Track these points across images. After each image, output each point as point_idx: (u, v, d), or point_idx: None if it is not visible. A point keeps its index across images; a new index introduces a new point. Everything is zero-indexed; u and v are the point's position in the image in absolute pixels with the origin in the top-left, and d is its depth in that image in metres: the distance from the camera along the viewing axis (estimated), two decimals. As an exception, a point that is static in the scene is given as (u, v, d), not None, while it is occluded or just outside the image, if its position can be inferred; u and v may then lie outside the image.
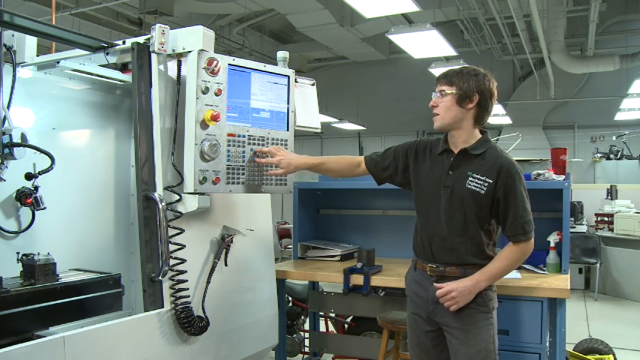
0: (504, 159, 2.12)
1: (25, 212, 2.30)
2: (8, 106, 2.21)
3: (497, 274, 2.13)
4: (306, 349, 3.92)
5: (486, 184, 2.09)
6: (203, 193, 2.17)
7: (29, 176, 2.27)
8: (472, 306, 2.11)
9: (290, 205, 3.94)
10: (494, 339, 2.14)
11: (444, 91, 2.13)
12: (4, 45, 2.25)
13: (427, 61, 8.19)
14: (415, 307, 2.27)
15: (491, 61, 10.91)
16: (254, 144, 2.30)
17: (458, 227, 2.13)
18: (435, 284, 2.15)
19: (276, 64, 2.62)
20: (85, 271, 2.38)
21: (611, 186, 8.31)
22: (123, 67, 2.43)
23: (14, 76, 2.27)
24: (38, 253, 2.14)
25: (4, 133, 2.15)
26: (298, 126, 2.74)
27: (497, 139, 2.26)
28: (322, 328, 4.09)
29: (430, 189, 2.20)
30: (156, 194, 2.09)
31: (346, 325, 3.90)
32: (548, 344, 2.79)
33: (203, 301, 2.28)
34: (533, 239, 2.14)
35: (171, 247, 2.11)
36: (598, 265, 6.90)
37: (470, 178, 2.11)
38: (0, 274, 2.01)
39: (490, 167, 2.10)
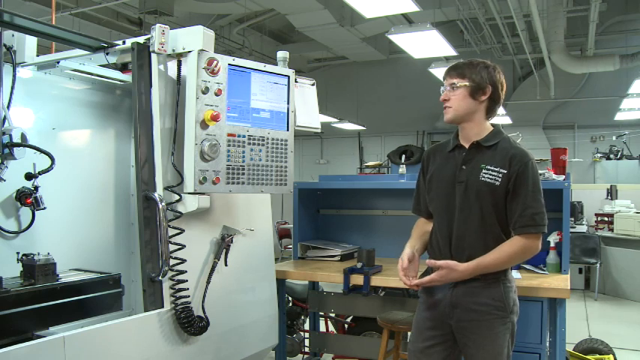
0: (517, 149, 2.07)
1: (25, 212, 2.30)
2: (8, 106, 2.21)
3: (489, 266, 2.00)
4: (306, 349, 3.92)
5: (500, 175, 2.03)
6: (203, 193, 2.17)
7: (29, 176, 2.27)
8: (491, 311, 2.03)
9: (290, 205, 3.95)
10: (509, 344, 2.05)
11: (454, 84, 2.08)
12: (4, 45, 2.25)
13: (427, 61, 8.17)
14: (427, 310, 2.18)
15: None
16: (254, 144, 2.30)
17: (475, 223, 2.05)
18: (428, 261, 2.08)
19: (276, 64, 2.62)
20: (85, 271, 2.38)
21: (611, 186, 8.31)
22: (123, 67, 2.43)
23: (14, 76, 2.27)
24: (38, 253, 2.14)
25: (4, 133, 2.15)
26: (298, 126, 2.75)
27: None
28: (322, 328, 4.09)
29: (445, 187, 2.14)
30: (156, 194, 2.09)
31: (346, 325, 3.90)
32: (548, 344, 2.79)
33: (203, 301, 2.27)
34: (541, 238, 2.02)
35: (171, 247, 2.11)
36: (598, 265, 6.89)
37: (483, 171, 2.05)
38: (0, 274, 2.01)
39: (503, 157, 2.05)
